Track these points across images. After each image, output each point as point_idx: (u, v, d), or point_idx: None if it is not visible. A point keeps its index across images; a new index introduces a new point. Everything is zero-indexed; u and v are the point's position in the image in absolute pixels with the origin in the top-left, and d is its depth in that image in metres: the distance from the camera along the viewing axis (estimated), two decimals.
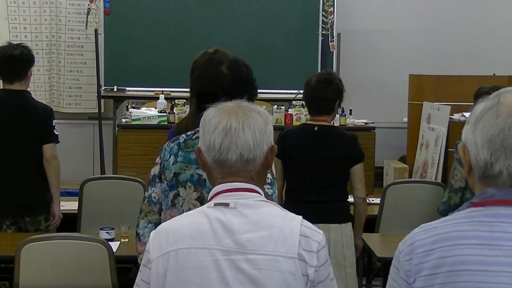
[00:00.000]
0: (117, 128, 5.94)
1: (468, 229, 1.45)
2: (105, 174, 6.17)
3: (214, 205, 1.77)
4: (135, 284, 1.84)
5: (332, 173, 3.80)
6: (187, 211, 2.40)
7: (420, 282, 1.46)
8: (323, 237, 1.77)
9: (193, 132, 2.52)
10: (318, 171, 3.77)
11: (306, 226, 1.76)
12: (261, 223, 1.73)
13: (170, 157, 2.52)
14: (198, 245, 1.72)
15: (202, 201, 2.43)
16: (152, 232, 1.83)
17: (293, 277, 1.69)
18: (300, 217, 1.78)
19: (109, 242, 3.44)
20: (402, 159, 6.45)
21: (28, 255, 3.26)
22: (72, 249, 3.32)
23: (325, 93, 3.81)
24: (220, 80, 2.43)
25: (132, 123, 5.76)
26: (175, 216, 2.43)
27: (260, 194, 1.81)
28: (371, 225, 4.51)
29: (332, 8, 6.72)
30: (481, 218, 1.46)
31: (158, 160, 2.58)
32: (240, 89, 2.35)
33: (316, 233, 1.75)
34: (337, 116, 5.46)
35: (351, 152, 3.80)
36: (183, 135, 2.55)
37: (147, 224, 2.63)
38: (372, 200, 5.06)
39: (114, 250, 3.52)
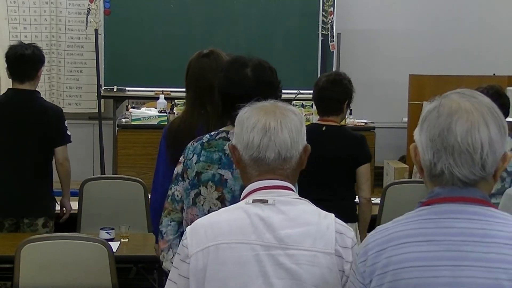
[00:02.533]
0: (117, 128, 5.95)
1: (415, 227, 1.50)
2: (105, 174, 6.16)
3: (252, 202, 1.81)
4: (169, 281, 1.86)
5: (339, 173, 3.81)
6: (207, 210, 2.46)
7: (374, 282, 1.51)
8: (354, 234, 1.83)
9: (216, 132, 2.56)
10: (324, 171, 3.77)
11: (339, 223, 1.81)
12: (298, 219, 1.78)
13: (193, 156, 2.55)
14: (239, 240, 1.76)
15: (222, 200, 2.47)
16: (188, 228, 1.87)
17: (330, 272, 1.74)
18: (333, 214, 1.83)
19: (109, 242, 3.44)
20: (402, 159, 6.45)
21: (28, 255, 3.26)
22: (72, 249, 3.32)
23: (333, 93, 3.81)
24: (244, 84, 2.44)
25: (132, 123, 5.77)
26: (196, 214, 2.49)
27: (294, 191, 1.87)
28: (371, 225, 4.50)
29: (332, 8, 6.71)
30: (427, 216, 1.51)
31: (181, 159, 2.62)
32: (264, 91, 2.35)
33: (348, 230, 1.82)
34: None
35: (357, 152, 3.80)
36: (206, 136, 2.59)
37: (170, 222, 2.67)
38: (372, 200, 5.06)
39: (114, 250, 3.52)
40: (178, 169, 2.62)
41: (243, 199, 1.86)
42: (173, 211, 2.66)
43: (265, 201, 1.80)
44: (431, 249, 1.46)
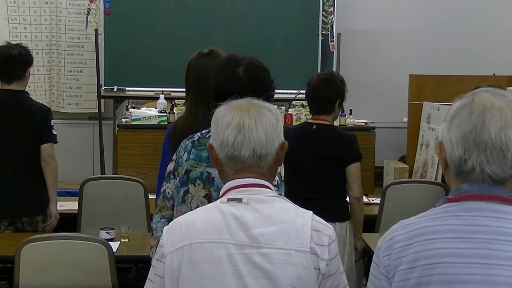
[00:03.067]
0: (117, 128, 5.94)
1: (444, 223, 1.51)
2: (105, 174, 6.16)
3: (227, 200, 1.81)
4: (147, 280, 1.86)
5: (328, 171, 3.82)
6: (195, 207, 2.46)
7: (399, 276, 1.51)
8: (333, 231, 1.81)
9: (207, 130, 2.57)
10: (314, 169, 3.79)
11: (317, 220, 1.80)
12: (273, 218, 1.78)
13: (184, 154, 2.59)
14: (213, 239, 1.76)
15: (209, 198, 2.48)
16: (165, 228, 1.87)
17: (305, 270, 1.73)
18: (311, 212, 1.82)
19: (109, 242, 3.44)
20: (402, 159, 6.45)
21: (28, 255, 3.26)
22: (72, 249, 3.32)
23: (323, 92, 3.84)
24: (236, 82, 2.46)
25: (132, 123, 5.76)
26: (185, 212, 2.46)
27: (271, 189, 1.85)
28: (371, 225, 4.51)
29: (332, 8, 6.71)
30: (456, 213, 1.51)
31: (174, 157, 2.65)
32: (256, 90, 2.37)
33: (326, 227, 1.80)
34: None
35: (346, 151, 3.82)
36: (198, 133, 2.62)
37: (160, 219, 2.69)
38: (372, 200, 5.06)
39: (114, 250, 3.52)
40: (170, 166, 2.65)
41: (220, 197, 1.86)
42: (164, 208, 2.69)
43: (239, 200, 1.79)
44: (463, 246, 1.47)
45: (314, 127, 3.87)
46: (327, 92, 3.85)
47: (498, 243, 1.46)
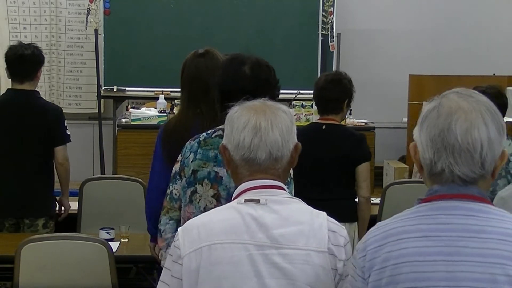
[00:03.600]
0: (117, 128, 5.95)
1: (413, 223, 1.54)
2: (105, 174, 6.16)
3: (244, 201, 1.81)
4: (161, 282, 1.85)
5: (337, 171, 3.81)
6: (203, 207, 2.47)
7: (373, 277, 1.54)
8: (347, 233, 1.83)
9: (213, 130, 2.58)
10: (323, 169, 3.78)
11: (332, 221, 1.82)
12: (291, 218, 1.78)
13: (190, 154, 2.57)
14: (232, 240, 1.76)
15: (218, 198, 2.49)
16: (180, 229, 1.86)
17: (324, 270, 1.74)
18: (324, 213, 1.83)
19: (109, 242, 3.44)
20: (402, 159, 6.45)
21: (28, 255, 3.26)
22: (72, 249, 3.32)
23: (331, 92, 3.83)
24: (241, 80, 2.46)
25: (132, 123, 5.77)
26: (193, 212, 2.50)
27: (286, 191, 1.86)
28: (371, 225, 4.49)
29: (332, 8, 6.71)
30: (425, 212, 1.54)
31: (179, 157, 2.64)
32: (261, 89, 2.38)
33: (341, 228, 1.82)
34: None
35: (356, 151, 3.81)
36: (203, 134, 2.60)
37: (168, 221, 2.69)
38: (372, 200, 5.05)
39: (114, 250, 3.52)
40: (176, 167, 2.64)
41: (234, 199, 1.86)
42: (171, 210, 2.68)
43: (257, 201, 1.79)
44: (429, 244, 1.49)
45: (324, 127, 3.86)
46: (335, 92, 3.84)
47: (463, 240, 1.48)
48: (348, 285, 1.65)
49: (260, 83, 2.45)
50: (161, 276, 1.87)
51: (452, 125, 1.49)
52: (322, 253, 1.75)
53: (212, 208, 2.38)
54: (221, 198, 2.48)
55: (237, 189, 1.87)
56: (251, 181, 1.83)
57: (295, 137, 1.88)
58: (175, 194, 2.65)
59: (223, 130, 2.50)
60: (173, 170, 2.66)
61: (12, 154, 4.19)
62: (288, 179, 2.47)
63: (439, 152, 1.50)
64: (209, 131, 2.59)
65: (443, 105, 1.53)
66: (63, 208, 4.42)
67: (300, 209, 1.83)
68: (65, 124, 4.28)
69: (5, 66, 4.29)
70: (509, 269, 1.44)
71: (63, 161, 4.26)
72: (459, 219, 1.50)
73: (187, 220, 2.37)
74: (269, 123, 1.81)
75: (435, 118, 1.52)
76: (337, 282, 1.76)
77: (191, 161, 2.55)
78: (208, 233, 1.78)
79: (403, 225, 1.55)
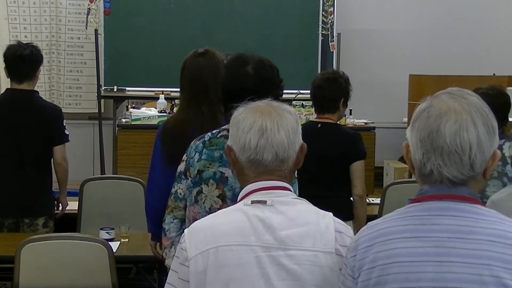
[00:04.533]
0: (117, 128, 5.95)
1: (402, 224, 1.54)
2: (105, 174, 6.16)
3: (251, 203, 1.80)
4: (168, 285, 1.84)
5: (333, 169, 3.83)
6: (209, 207, 2.48)
7: (362, 276, 1.55)
8: (353, 233, 1.82)
9: (218, 130, 2.58)
10: (319, 167, 3.79)
11: (338, 222, 1.82)
12: (297, 219, 1.78)
13: (195, 154, 2.57)
14: (239, 242, 1.75)
15: (223, 198, 2.49)
16: (186, 230, 1.85)
17: (331, 271, 1.73)
18: (331, 213, 1.83)
19: (109, 242, 3.44)
20: (402, 159, 6.44)
21: (28, 255, 3.26)
22: (72, 249, 3.32)
23: (326, 91, 3.85)
24: (245, 80, 2.46)
25: (132, 123, 5.76)
26: (198, 212, 2.52)
27: (292, 191, 1.86)
28: None
29: (332, 8, 6.71)
30: (415, 213, 1.54)
31: (184, 157, 2.64)
32: (264, 89, 2.38)
33: (347, 228, 1.82)
34: None
35: (350, 149, 3.84)
36: (208, 134, 2.60)
37: (173, 220, 2.71)
38: (372, 200, 5.06)
39: (114, 250, 3.52)
40: (181, 167, 2.64)
41: (240, 200, 1.85)
42: (176, 209, 2.69)
43: (263, 202, 1.79)
44: (417, 245, 1.50)
45: (319, 125, 3.90)
46: (331, 91, 3.86)
47: (451, 240, 1.48)
48: (340, 284, 1.64)
49: (264, 82, 2.45)
50: (167, 278, 1.86)
51: (441, 126, 1.49)
52: (330, 254, 1.74)
53: (217, 208, 2.41)
54: (227, 198, 2.48)
55: (243, 190, 1.86)
56: (257, 183, 1.83)
57: (301, 137, 1.87)
58: (180, 194, 2.66)
59: (228, 130, 2.50)
60: (178, 170, 2.66)
61: (11, 154, 4.19)
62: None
63: (428, 154, 1.51)
64: (213, 131, 2.59)
65: (433, 106, 1.53)
66: (60, 206, 4.43)
67: (307, 210, 1.82)
68: (64, 124, 4.28)
69: (3, 66, 4.30)
70: (497, 271, 1.43)
71: (61, 161, 4.26)
72: (448, 220, 1.50)
73: (192, 219, 2.40)
74: (275, 125, 1.80)
75: (425, 119, 1.52)
76: None
77: (197, 161, 2.55)
78: (214, 235, 1.77)
79: (392, 226, 1.55)
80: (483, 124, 1.50)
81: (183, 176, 2.63)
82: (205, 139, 2.58)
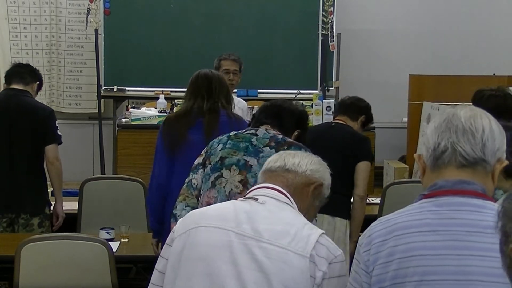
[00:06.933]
0: (117, 128, 5.94)
1: (419, 218, 1.57)
2: (105, 174, 6.16)
3: (244, 198, 1.90)
4: (155, 270, 1.90)
5: (339, 166, 3.85)
6: (228, 192, 2.62)
7: (377, 270, 1.56)
8: (342, 255, 1.81)
9: (243, 130, 2.78)
10: (325, 161, 3.85)
11: (327, 239, 1.82)
12: (283, 220, 1.83)
13: (218, 145, 2.73)
14: (218, 225, 1.81)
15: (245, 184, 2.60)
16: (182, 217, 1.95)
17: (302, 275, 1.74)
18: (323, 231, 1.83)
19: (109, 242, 3.44)
20: (402, 159, 6.44)
21: (28, 255, 3.26)
22: (72, 249, 3.32)
23: (356, 101, 4.24)
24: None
25: (132, 123, 5.76)
26: (214, 196, 2.65)
27: (291, 201, 1.90)
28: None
29: (332, 8, 6.71)
30: (431, 208, 1.57)
31: (203, 152, 2.79)
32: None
33: (334, 247, 1.81)
34: None
35: (358, 148, 3.99)
36: (233, 132, 2.79)
37: (185, 207, 2.79)
38: (372, 200, 5.06)
39: (114, 250, 3.52)
40: (199, 160, 2.78)
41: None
42: (189, 197, 2.79)
43: (255, 199, 1.87)
44: (436, 238, 1.52)
45: (333, 124, 4.15)
46: (359, 103, 4.22)
47: (470, 235, 1.51)
48: (351, 279, 1.64)
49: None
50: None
51: (457, 111, 1.60)
52: (303, 258, 1.74)
53: (237, 193, 2.55)
54: (249, 184, 2.58)
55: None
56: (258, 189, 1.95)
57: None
58: (194, 183, 2.76)
59: (255, 129, 2.74)
60: (196, 162, 2.79)
61: (3, 153, 4.19)
62: None
63: (443, 134, 1.58)
64: (239, 131, 2.78)
65: (447, 113, 1.63)
66: (58, 217, 4.35)
67: (295, 217, 1.86)
68: (56, 125, 4.27)
69: (4, 69, 4.34)
70: None
71: (53, 160, 4.24)
72: (465, 215, 1.53)
73: (206, 204, 2.54)
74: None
75: (441, 114, 1.62)
76: None
77: (220, 150, 2.69)
78: (199, 218, 1.85)
79: (407, 220, 1.57)
80: (496, 123, 1.61)
81: (200, 167, 2.75)
82: (230, 134, 2.74)
